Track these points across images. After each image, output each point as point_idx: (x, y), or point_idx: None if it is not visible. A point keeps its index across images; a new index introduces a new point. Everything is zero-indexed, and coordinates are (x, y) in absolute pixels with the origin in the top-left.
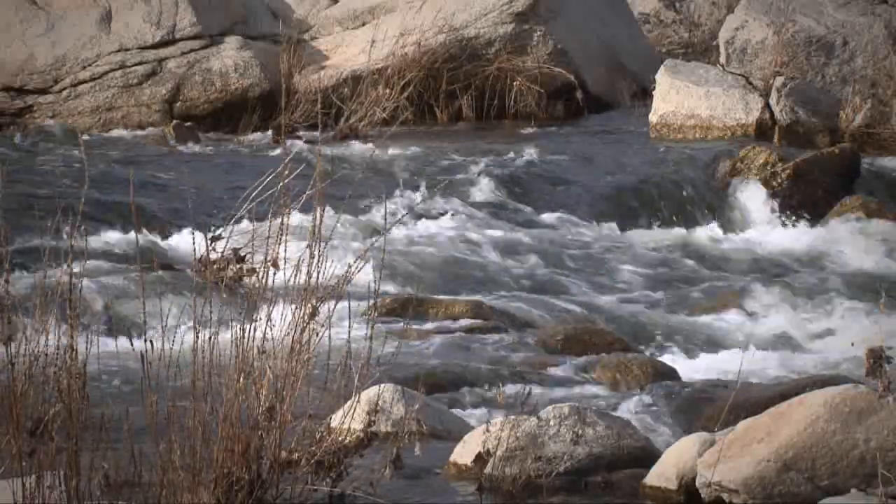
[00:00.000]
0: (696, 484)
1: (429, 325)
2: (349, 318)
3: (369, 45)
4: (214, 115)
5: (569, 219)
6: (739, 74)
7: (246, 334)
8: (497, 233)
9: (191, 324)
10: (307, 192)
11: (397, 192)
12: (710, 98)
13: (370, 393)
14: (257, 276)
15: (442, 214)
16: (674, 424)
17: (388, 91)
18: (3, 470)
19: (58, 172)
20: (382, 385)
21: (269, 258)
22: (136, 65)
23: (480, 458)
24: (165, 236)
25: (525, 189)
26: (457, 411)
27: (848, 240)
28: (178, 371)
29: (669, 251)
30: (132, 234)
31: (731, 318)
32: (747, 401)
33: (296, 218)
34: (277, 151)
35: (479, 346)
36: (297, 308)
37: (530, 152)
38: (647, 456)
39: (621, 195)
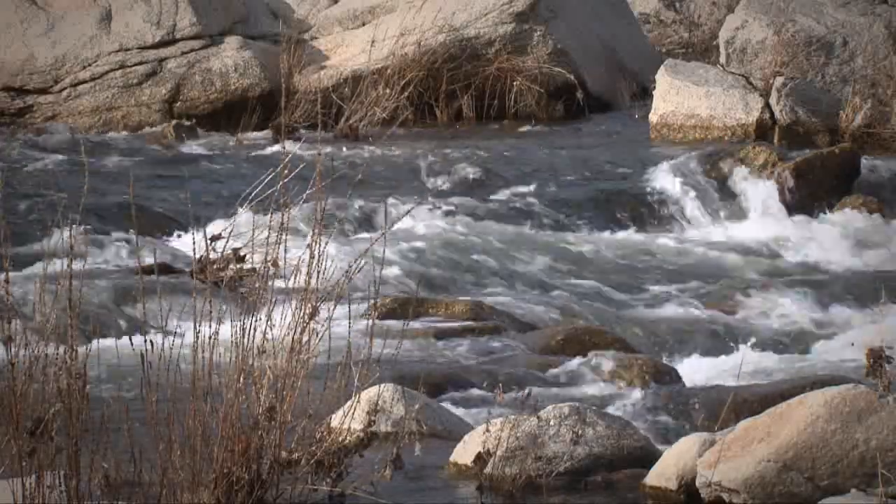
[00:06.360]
0: (696, 484)
1: (429, 325)
2: (349, 318)
3: (369, 45)
4: (214, 115)
5: (569, 219)
6: (739, 74)
7: (246, 334)
8: (497, 233)
9: (191, 324)
10: (306, 192)
11: (397, 192)
12: (710, 98)
13: (370, 393)
14: (257, 276)
15: (442, 214)
16: (674, 424)
17: (388, 91)
18: (3, 470)
19: (58, 172)
20: (382, 385)
21: (269, 258)
22: (136, 65)
23: (480, 458)
24: (165, 236)
25: (525, 189)
26: (457, 411)
27: (848, 240)
28: (178, 371)
29: (669, 251)
30: (132, 234)
31: (731, 318)
32: (747, 401)
33: (296, 218)
34: (277, 151)
35: (479, 346)
36: (297, 308)
37: (530, 152)
38: (647, 456)
39: (621, 195)
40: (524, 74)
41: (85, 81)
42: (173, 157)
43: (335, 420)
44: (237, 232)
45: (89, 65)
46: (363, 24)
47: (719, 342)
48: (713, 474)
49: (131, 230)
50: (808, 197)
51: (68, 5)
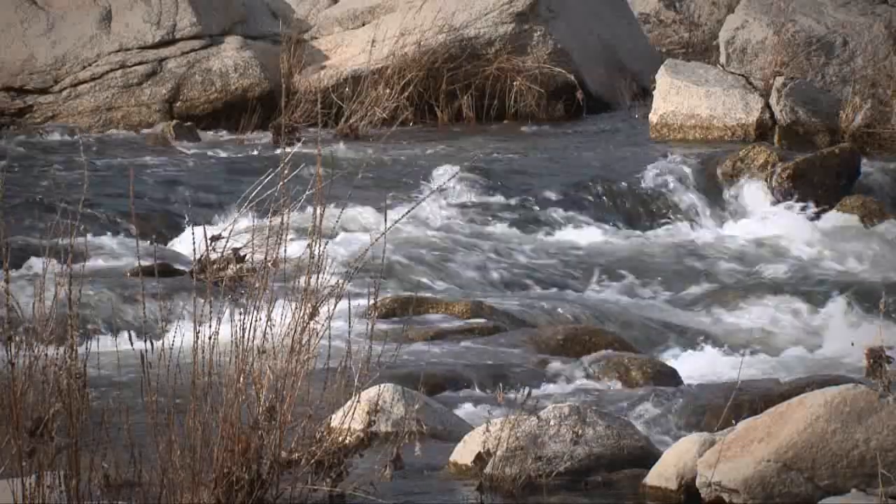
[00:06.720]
0: (696, 484)
1: (429, 326)
2: (349, 318)
3: (369, 45)
4: (214, 114)
5: (569, 219)
6: (739, 74)
7: (246, 334)
8: (497, 233)
9: (191, 324)
10: (307, 192)
11: (397, 192)
12: (711, 98)
13: (370, 393)
14: (257, 276)
15: (442, 214)
16: (674, 424)
17: (388, 91)
18: (3, 470)
19: (57, 173)
20: (382, 385)
21: (269, 258)
22: (136, 65)
23: (480, 458)
24: (165, 236)
25: (525, 189)
26: (457, 411)
27: (848, 240)
28: (179, 371)
29: (669, 251)
30: (132, 235)
31: (730, 318)
32: (747, 401)
33: (296, 217)
34: (277, 151)
35: (479, 345)
36: (297, 308)
37: (530, 152)
38: (647, 456)
39: (621, 195)
40: (524, 74)
41: (85, 81)
42: (173, 157)
43: (335, 420)
44: (237, 232)
45: (89, 65)
46: (363, 24)
47: (719, 342)
48: (713, 474)
49: (131, 230)
50: (807, 197)
51: (68, 5)
